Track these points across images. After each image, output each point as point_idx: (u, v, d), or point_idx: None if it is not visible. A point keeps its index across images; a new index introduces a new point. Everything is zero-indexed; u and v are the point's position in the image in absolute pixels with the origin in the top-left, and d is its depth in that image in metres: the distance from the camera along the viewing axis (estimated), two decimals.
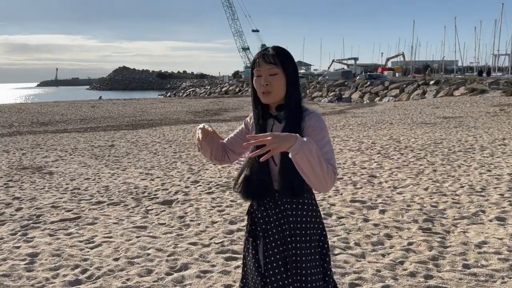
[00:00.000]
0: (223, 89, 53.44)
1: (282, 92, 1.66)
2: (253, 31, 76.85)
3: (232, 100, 35.44)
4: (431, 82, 28.44)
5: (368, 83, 32.29)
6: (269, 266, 1.66)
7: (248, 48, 77.09)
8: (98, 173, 7.35)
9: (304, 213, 1.70)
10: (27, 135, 14.43)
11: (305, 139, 1.47)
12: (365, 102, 29.98)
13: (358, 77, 38.17)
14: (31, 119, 21.42)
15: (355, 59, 76.11)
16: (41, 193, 6.01)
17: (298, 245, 1.66)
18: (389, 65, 77.99)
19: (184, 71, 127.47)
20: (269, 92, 1.64)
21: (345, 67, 69.91)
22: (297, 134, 1.47)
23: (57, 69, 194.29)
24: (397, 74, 43.63)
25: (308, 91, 36.59)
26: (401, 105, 23.50)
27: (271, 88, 1.64)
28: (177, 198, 5.55)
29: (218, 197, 5.56)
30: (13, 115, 22.99)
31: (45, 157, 9.32)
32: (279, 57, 1.64)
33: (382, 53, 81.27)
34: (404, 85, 29.85)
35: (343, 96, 32.38)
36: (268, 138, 1.41)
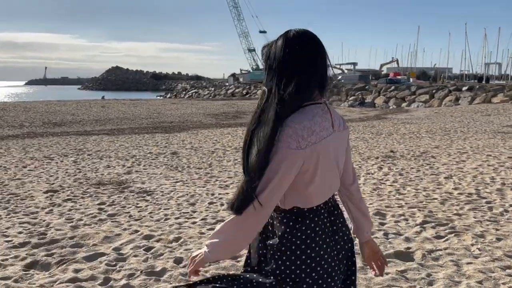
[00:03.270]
0: (229, 91, 51.68)
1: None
2: (261, 32, 75.01)
3: (244, 103, 34.11)
4: (464, 88, 27.15)
5: (392, 87, 30.86)
6: None
7: (254, 50, 75.14)
8: (206, 191, 5.54)
9: None
10: (48, 137, 12.65)
11: (207, 243, 1.40)
12: (391, 107, 28.54)
13: (377, 82, 36.84)
14: (41, 118, 19.58)
15: (354, 64, 75.73)
16: (182, 227, 4.13)
17: None
18: (385, 71, 77.86)
19: (179, 72, 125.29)
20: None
21: (342, 71, 69.19)
22: (202, 251, 1.42)
23: (46, 67, 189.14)
24: (411, 80, 42.48)
25: None
26: (443, 111, 22.14)
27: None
28: None
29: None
30: (20, 114, 21.05)
31: (108, 167, 7.47)
32: (262, 51, 1.40)
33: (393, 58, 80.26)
34: (434, 91, 28.50)
35: (366, 101, 30.92)
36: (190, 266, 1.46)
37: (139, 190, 5.63)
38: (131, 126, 16.98)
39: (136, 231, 3.95)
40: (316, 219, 1.38)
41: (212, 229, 3.99)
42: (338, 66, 75.39)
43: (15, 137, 12.92)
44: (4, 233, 3.89)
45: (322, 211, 1.39)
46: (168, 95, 64.67)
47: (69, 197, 5.31)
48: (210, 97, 49.88)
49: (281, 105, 1.28)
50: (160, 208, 4.77)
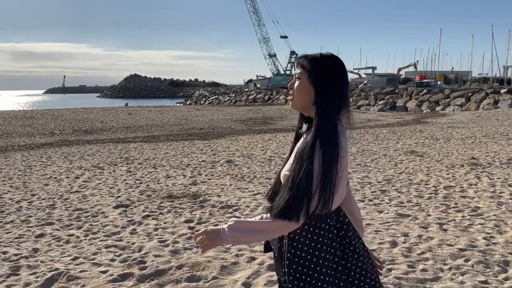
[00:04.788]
0: (250, 97, 51.01)
1: (304, 99, 1.45)
2: (282, 37, 74.02)
3: (268, 108, 33.51)
4: (503, 91, 25.97)
5: (425, 91, 29.77)
6: None
7: (275, 55, 74.07)
8: None
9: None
10: (85, 144, 12.13)
11: (228, 224, 1.39)
12: (424, 111, 27.50)
13: (405, 85, 35.79)
14: (70, 126, 19.21)
15: (373, 68, 74.56)
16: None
17: None
18: (404, 75, 76.67)
19: (196, 79, 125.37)
20: (292, 97, 1.50)
21: (359, 76, 67.99)
22: (221, 227, 1.41)
23: (64, 76, 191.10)
24: (438, 83, 41.27)
25: (351, 99, 34.15)
26: (484, 114, 21.08)
27: (294, 92, 1.48)
28: None
29: None
30: (49, 122, 20.74)
31: (168, 177, 6.82)
32: (307, 60, 1.46)
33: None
34: (470, 94, 27.36)
35: (397, 105, 29.92)
36: (200, 237, 1.43)
37: (221, 205, 4.93)
38: (163, 133, 16.48)
39: (252, 258, 3.24)
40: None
41: None
42: (356, 71, 74.36)
43: (50, 145, 12.45)
44: (94, 261, 3.23)
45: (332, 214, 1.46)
46: (188, 102, 64.40)
47: (145, 212, 4.65)
48: (231, 103, 49.30)
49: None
50: None
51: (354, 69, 77.05)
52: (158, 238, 3.75)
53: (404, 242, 3.60)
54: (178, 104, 54.85)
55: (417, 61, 71.17)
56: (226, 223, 1.38)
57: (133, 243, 3.62)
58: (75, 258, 3.31)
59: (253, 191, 5.71)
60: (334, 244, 1.41)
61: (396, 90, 33.00)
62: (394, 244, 3.57)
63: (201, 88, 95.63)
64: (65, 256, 3.37)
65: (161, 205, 4.98)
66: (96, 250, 3.46)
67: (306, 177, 1.30)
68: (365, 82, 44.74)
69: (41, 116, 23.74)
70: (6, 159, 9.33)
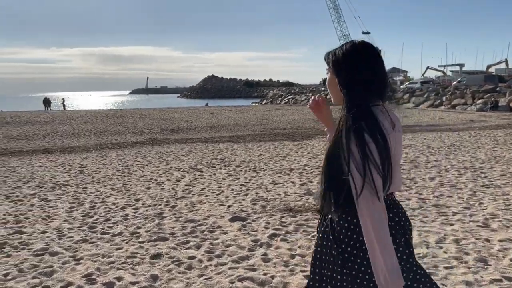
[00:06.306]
0: (328, 97, 49.26)
1: (335, 93, 1.44)
2: (364, 33, 70.87)
3: None
4: None
5: None
6: None
7: None
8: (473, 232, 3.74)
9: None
10: (175, 144, 11.92)
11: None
12: None
13: (508, 83, 32.04)
14: (158, 125, 19.47)
15: (461, 65, 68.74)
16: None
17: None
18: (494, 72, 69.63)
19: (270, 79, 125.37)
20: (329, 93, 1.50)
21: (444, 74, 62.92)
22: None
23: (147, 78, 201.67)
24: None
25: (444, 97, 31.23)
26: None
27: (328, 89, 1.49)
28: None
29: None
30: (138, 121, 21.30)
31: (275, 183, 6.03)
32: (330, 54, 1.45)
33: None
34: None
35: (499, 104, 26.75)
36: None
37: None
38: (247, 132, 15.95)
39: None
40: None
41: None
42: (441, 69, 69.35)
43: (142, 143, 12.40)
44: None
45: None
46: (264, 102, 64.28)
47: (268, 230, 3.86)
48: (307, 103, 48.13)
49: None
50: (425, 254, 3.08)
51: (439, 66, 72.00)
52: (301, 270, 2.92)
53: None
54: (254, 104, 54.80)
55: (505, 59, 64.22)
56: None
57: (272, 276, 2.82)
58: None
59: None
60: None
61: (497, 88, 29.56)
62: None
63: (275, 88, 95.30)
64: None
65: (283, 220, 4.17)
66: (230, 284, 2.70)
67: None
68: (459, 79, 40.97)
69: (130, 115, 24.58)
70: (103, 158, 9.24)
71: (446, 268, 2.94)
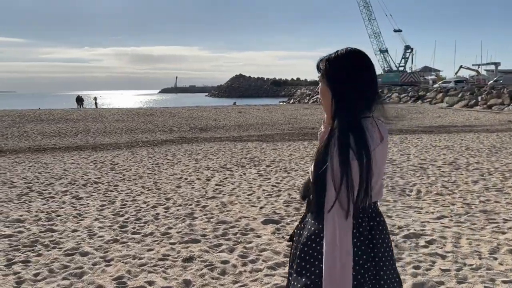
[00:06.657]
0: None
1: (327, 101, 1.39)
2: (395, 31, 69.34)
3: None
4: None
5: None
6: None
7: (386, 50, 69.68)
8: None
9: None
10: (204, 142, 11.88)
11: None
12: None
13: None
14: (187, 123, 19.55)
15: (496, 64, 66.10)
16: None
17: None
18: None
19: (298, 78, 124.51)
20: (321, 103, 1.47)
21: (477, 73, 60.56)
22: None
23: (176, 77, 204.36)
24: None
25: (479, 97, 30.05)
26: None
27: (320, 97, 1.46)
28: None
29: None
30: (167, 119, 21.46)
31: None
32: (322, 62, 1.41)
33: None
34: None
35: None
36: None
37: (410, 235, 3.71)
38: (275, 132, 15.75)
39: None
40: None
41: None
42: (475, 68, 66.91)
43: (171, 142, 12.42)
44: None
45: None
46: (291, 101, 63.91)
47: None
48: None
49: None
50: (483, 277, 2.80)
51: (473, 65, 69.54)
52: None
53: None
54: (281, 103, 54.50)
55: None
56: None
57: None
58: None
59: (438, 214, 4.40)
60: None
61: None
62: None
63: (303, 87, 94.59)
64: None
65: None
66: None
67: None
68: (495, 78, 39.38)
69: (159, 113, 24.83)
70: (134, 155, 9.26)
71: (505, 282, 2.67)
